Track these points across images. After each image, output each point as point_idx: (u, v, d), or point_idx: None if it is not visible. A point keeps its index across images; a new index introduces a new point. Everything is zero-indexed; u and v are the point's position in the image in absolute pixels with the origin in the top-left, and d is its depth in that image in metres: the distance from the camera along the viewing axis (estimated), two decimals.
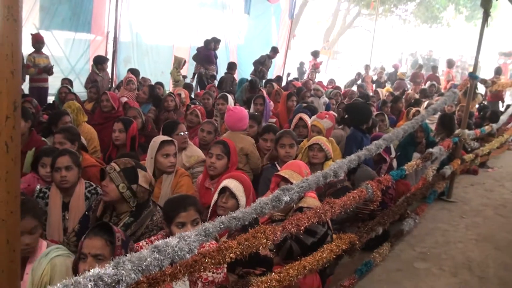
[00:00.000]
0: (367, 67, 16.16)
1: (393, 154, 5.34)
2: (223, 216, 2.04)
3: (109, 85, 10.09)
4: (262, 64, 12.24)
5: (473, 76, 5.58)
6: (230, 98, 6.56)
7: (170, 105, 6.86)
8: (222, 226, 1.98)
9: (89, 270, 1.44)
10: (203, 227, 1.89)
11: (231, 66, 11.31)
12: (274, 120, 6.96)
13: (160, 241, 1.70)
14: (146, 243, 2.69)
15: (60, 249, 2.60)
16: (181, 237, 1.77)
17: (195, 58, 11.80)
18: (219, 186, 3.28)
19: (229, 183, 3.19)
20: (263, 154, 4.99)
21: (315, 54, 16.14)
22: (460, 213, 5.40)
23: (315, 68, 15.48)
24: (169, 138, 3.94)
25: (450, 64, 15.58)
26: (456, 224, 5.05)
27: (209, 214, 3.21)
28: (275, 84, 9.84)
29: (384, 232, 4.11)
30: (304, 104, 6.91)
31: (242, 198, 3.16)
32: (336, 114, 7.12)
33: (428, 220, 5.13)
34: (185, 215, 2.64)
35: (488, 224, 5.08)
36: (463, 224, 5.06)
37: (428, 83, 12.69)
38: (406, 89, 13.02)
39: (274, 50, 12.91)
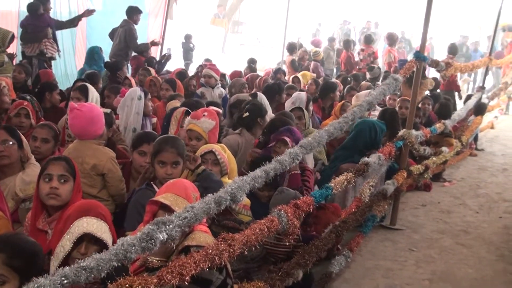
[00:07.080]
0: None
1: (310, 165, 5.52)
2: (67, 268, 1.99)
3: None
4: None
5: (420, 57, 5.86)
6: (93, 92, 6.30)
7: (24, 123, 5.63)
8: (66, 281, 1.94)
9: None
10: (35, 285, 1.84)
11: None
12: (154, 120, 6.91)
13: None
14: None
15: None
16: None
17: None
18: (64, 227, 3.17)
19: (90, 226, 3.11)
20: (137, 174, 4.87)
21: (369, 40, 15.97)
22: (409, 245, 5.69)
23: (374, 58, 15.53)
24: None
25: (392, 40, 15.91)
26: (403, 260, 5.32)
27: None
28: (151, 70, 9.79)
29: (305, 276, 4.22)
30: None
31: (109, 241, 3.12)
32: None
33: (365, 257, 5.35)
34: None
35: (446, 258, 5.41)
36: (413, 259, 5.34)
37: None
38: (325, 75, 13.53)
39: (134, 11, 11.65)
